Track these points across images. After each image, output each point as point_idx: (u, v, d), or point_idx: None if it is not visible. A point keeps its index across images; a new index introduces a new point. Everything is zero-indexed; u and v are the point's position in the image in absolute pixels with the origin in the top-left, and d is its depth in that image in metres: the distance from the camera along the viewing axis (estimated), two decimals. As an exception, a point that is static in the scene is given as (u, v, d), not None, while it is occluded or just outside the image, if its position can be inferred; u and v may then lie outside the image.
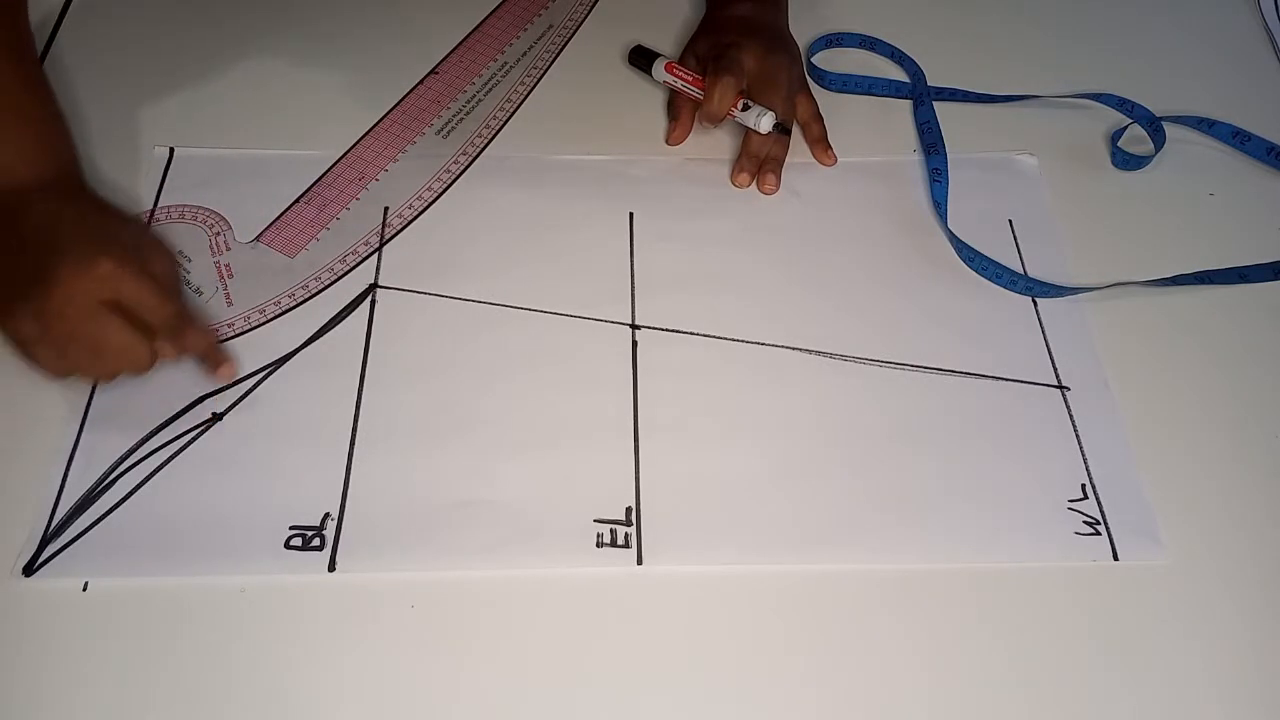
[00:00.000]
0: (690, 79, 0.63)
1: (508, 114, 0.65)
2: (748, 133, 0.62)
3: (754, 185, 0.63)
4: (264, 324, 0.55)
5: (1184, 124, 0.67)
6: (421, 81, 0.67)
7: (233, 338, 0.54)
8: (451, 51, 0.69)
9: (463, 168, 0.62)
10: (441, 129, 0.64)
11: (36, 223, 0.50)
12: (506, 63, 0.68)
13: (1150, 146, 0.66)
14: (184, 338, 0.51)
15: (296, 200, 0.60)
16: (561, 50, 0.70)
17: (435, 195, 0.61)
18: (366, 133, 0.64)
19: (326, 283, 0.57)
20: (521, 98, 0.66)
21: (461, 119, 0.65)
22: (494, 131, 0.64)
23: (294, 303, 0.56)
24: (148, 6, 0.69)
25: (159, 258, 0.53)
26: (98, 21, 0.68)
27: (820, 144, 0.64)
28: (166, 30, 0.68)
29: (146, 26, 0.68)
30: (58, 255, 0.48)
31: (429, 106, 0.65)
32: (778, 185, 0.63)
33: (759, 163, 0.63)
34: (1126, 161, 0.65)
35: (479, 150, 0.63)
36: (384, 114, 0.65)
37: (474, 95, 0.66)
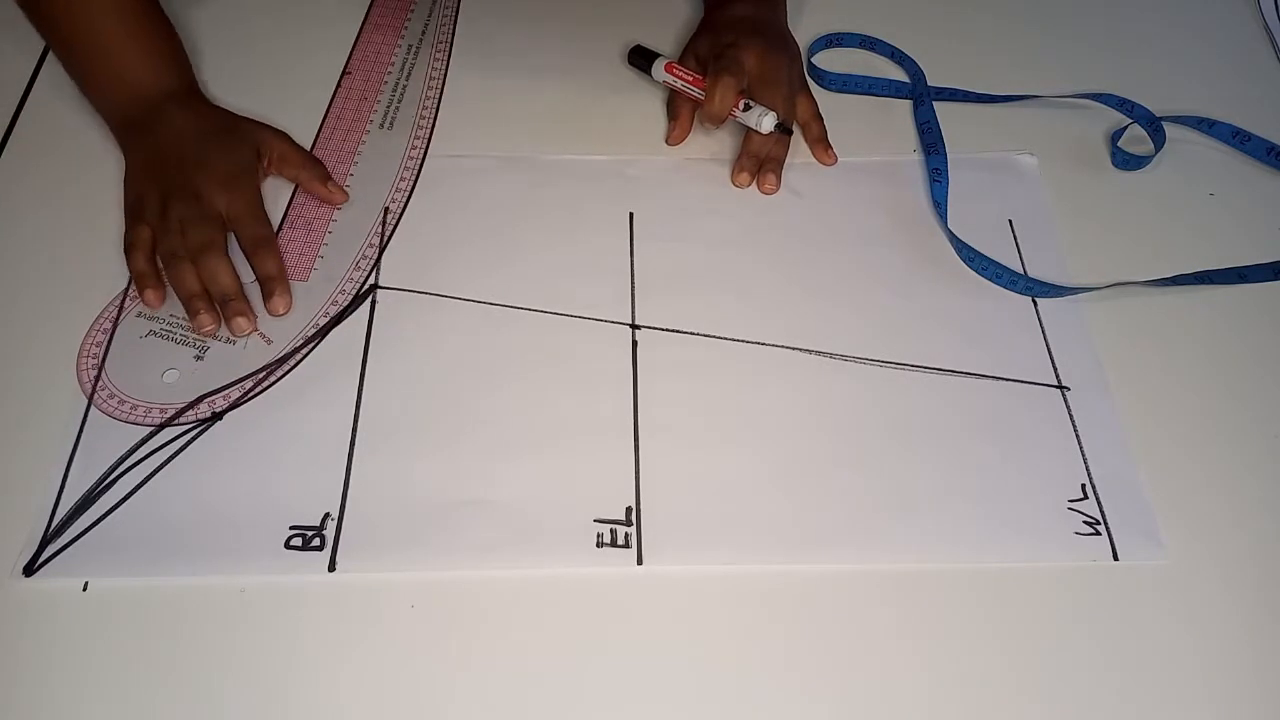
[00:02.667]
0: (690, 79, 0.63)
1: (438, 90, 0.66)
2: (748, 132, 0.62)
3: (754, 185, 0.63)
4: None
5: (1184, 124, 0.67)
6: (339, 84, 0.67)
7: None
8: (353, 50, 0.69)
9: (421, 152, 0.63)
10: (383, 122, 0.64)
11: (166, 133, 0.58)
12: (411, 44, 0.69)
13: (1150, 146, 0.66)
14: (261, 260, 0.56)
15: (280, 226, 0.59)
16: (457, 14, 0.71)
17: (410, 185, 0.61)
18: (312, 145, 0.63)
19: (353, 294, 0.56)
20: (443, 70, 0.67)
21: (398, 107, 0.65)
22: (433, 111, 0.65)
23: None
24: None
25: (244, 185, 0.58)
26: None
27: (820, 144, 0.64)
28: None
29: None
30: (184, 172, 0.57)
31: (360, 105, 0.65)
32: (778, 185, 0.63)
33: (759, 163, 0.63)
34: (1126, 161, 0.65)
35: (429, 130, 0.64)
36: (319, 124, 0.64)
37: (397, 82, 0.67)
